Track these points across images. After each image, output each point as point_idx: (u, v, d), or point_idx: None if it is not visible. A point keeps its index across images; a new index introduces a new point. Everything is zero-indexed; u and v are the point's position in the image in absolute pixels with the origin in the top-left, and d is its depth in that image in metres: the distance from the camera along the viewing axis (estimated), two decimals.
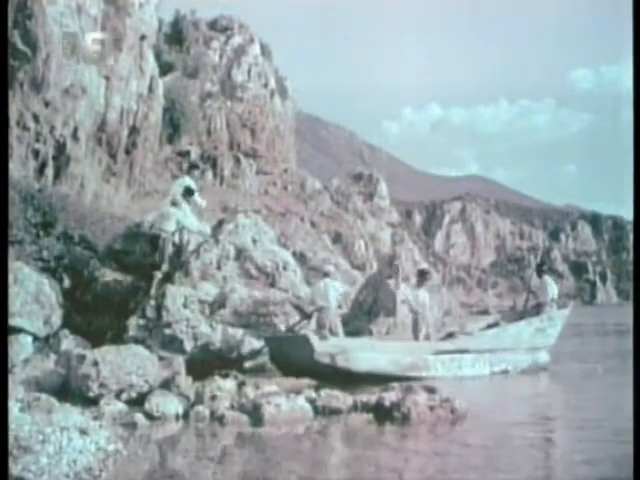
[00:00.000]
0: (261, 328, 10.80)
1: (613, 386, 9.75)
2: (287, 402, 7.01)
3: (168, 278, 10.84)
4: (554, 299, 12.15)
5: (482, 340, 11.30)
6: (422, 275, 12.40)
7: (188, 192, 11.50)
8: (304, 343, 10.07)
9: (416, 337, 11.38)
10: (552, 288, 12.21)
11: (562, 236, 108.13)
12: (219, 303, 10.66)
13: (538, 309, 11.99)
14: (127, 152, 20.18)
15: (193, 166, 13.04)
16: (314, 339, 10.16)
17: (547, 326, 11.75)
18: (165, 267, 10.84)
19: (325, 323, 10.89)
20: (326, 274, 11.65)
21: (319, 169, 65.51)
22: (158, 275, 10.78)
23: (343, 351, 10.17)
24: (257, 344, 10.62)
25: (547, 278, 12.48)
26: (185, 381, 7.55)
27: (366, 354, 10.32)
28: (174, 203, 11.40)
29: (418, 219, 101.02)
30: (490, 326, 12.05)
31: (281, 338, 10.65)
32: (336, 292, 11.35)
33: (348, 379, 9.48)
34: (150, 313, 10.32)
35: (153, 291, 10.65)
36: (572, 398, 9.34)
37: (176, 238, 10.95)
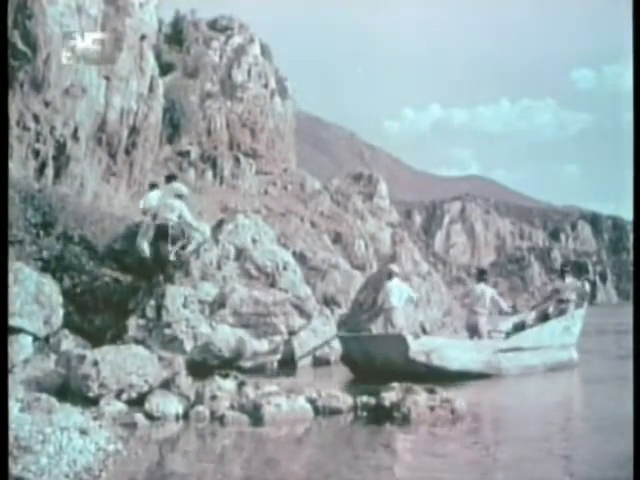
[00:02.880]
0: (261, 328, 10.81)
1: (613, 386, 9.80)
2: (287, 402, 7.01)
3: (170, 273, 10.93)
4: (582, 297, 12.54)
5: (529, 338, 11.37)
6: (481, 274, 12.55)
7: (170, 178, 12.60)
8: (399, 342, 9.98)
9: (479, 335, 11.32)
10: (575, 288, 12.60)
11: (562, 236, 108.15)
12: (219, 303, 10.66)
13: (562, 309, 12.27)
14: (127, 152, 20.20)
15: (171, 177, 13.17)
16: (409, 337, 10.10)
17: (571, 324, 12.04)
18: (172, 257, 11.03)
19: (392, 323, 10.97)
20: (391, 275, 11.69)
21: (319, 169, 65.48)
22: (170, 257, 11.05)
23: (436, 349, 10.11)
24: (257, 344, 10.62)
25: (570, 279, 12.85)
26: (185, 381, 7.54)
27: (454, 352, 10.31)
28: (178, 195, 11.69)
29: (418, 219, 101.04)
30: (516, 325, 12.11)
31: (368, 337, 10.70)
32: (402, 293, 11.42)
33: (440, 377, 9.47)
34: (150, 313, 10.33)
35: (161, 278, 10.88)
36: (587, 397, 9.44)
37: (178, 229, 11.23)
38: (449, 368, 10.01)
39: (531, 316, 12.41)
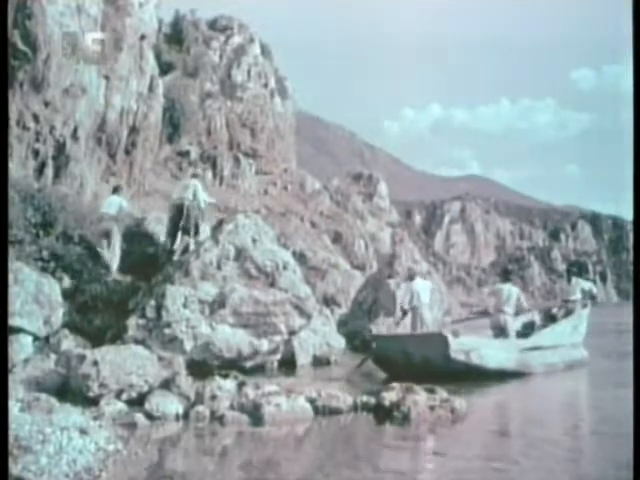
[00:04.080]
0: (261, 328, 10.80)
1: (614, 385, 9.83)
2: (287, 402, 7.01)
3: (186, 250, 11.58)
4: (586, 296, 12.79)
5: (546, 337, 11.53)
6: (506, 273, 12.70)
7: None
8: (439, 341, 10.03)
9: (506, 335, 11.36)
10: (583, 289, 12.88)
11: (562, 236, 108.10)
12: (219, 303, 10.65)
13: (569, 309, 12.48)
14: (127, 152, 20.19)
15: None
16: (450, 336, 10.15)
17: (579, 324, 12.25)
18: (192, 234, 11.80)
19: (422, 320, 11.08)
20: (414, 275, 11.96)
21: (319, 169, 65.45)
22: (186, 240, 11.68)
23: (474, 348, 10.20)
24: (257, 344, 10.61)
25: (575, 279, 13.31)
26: (185, 381, 7.54)
27: (490, 351, 10.43)
28: (194, 175, 12.83)
29: (418, 219, 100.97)
30: (525, 325, 12.20)
31: (407, 336, 10.72)
32: (427, 290, 11.58)
33: (478, 376, 9.67)
34: (150, 313, 10.32)
35: (178, 253, 11.51)
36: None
37: (193, 210, 11.91)
38: (487, 367, 10.17)
39: (538, 316, 12.50)
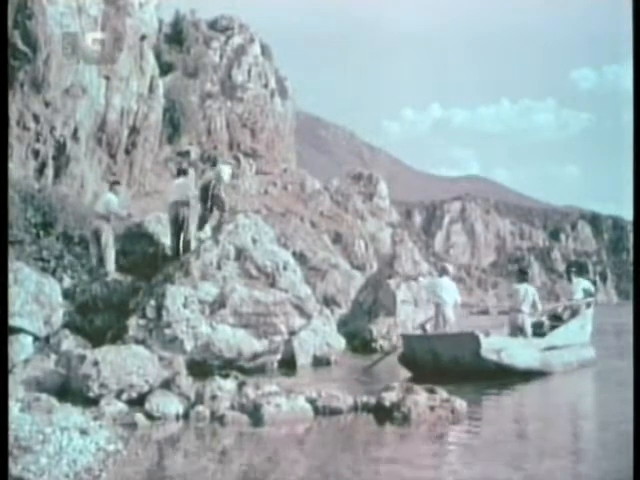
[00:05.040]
0: (261, 328, 10.80)
1: (614, 385, 9.85)
2: (287, 402, 7.01)
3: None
4: (588, 296, 12.83)
5: (559, 337, 11.60)
6: (522, 274, 12.76)
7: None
8: (470, 340, 10.05)
9: (524, 335, 11.39)
10: (583, 288, 12.89)
11: (562, 236, 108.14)
12: (219, 303, 10.66)
13: (575, 309, 12.53)
14: (127, 152, 20.18)
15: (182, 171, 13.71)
16: (482, 336, 10.19)
17: (584, 323, 12.33)
18: (216, 213, 12.47)
19: (445, 318, 11.15)
20: (444, 271, 11.92)
21: (319, 169, 65.46)
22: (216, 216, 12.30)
23: (504, 347, 10.26)
24: (258, 344, 10.62)
25: (576, 279, 13.25)
26: (185, 381, 7.54)
27: (518, 350, 10.50)
28: (226, 162, 14.69)
29: (418, 219, 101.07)
30: (534, 325, 12.20)
31: (436, 335, 10.71)
32: (453, 292, 11.61)
33: (507, 375, 9.76)
34: (150, 313, 10.32)
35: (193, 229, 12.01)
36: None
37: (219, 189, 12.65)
38: (517, 366, 10.23)
39: (544, 316, 12.56)
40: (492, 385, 9.30)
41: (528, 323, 11.45)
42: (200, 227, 12.48)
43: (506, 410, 8.50)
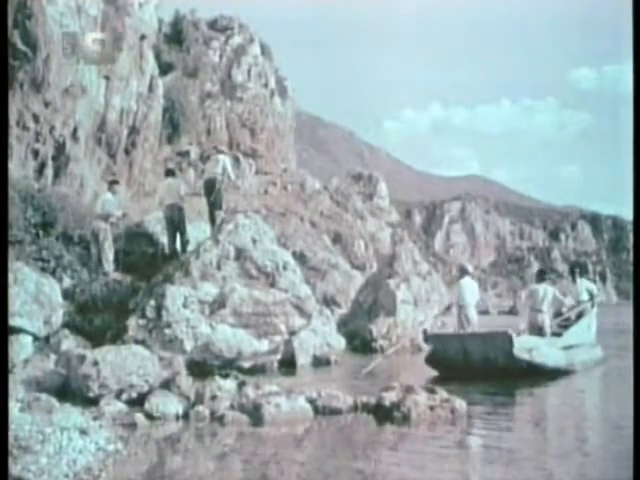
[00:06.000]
0: (261, 328, 10.80)
1: (614, 385, 9.89)
2: (287, 402, 7.01)
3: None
4: (592, 297, 12.91)
5: (573, 336, 11.71)
6: (541, 274, 12.82)
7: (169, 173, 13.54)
8: (503, 339, 10.09)
9: (543, 334, 11.40)
10: (587, 288, 13.02)
11: (562, 236, 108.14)
12: (219, 303, 10.66)
13: (581, 310, 12.57)
14: (127, 152, 20.18)
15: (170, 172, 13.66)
16: (514, 335, 10.24)
17: (590, 323, 12.48)
18: (222, 209, 12.41)
19: (468, 319, 11.18)
20: (464, 272, 11.93)
21: (319, 169, 65.46)
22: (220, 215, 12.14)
23: (535, 347, 10.35)
24: (258, 344, 10.61)
25: (580, 279, 13.29)
26: (185, 381, 7.54)
27: (547, 349, 10.59)
28: (220, 151, 13.51)
29: (418, 219, 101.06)
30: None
31: (468, 335, 10.74)
32: (474, 292, 11.64)
33: (537, 374, 9.85)
34: (150, 313, 10.32)
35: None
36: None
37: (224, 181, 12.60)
38: (547, 365, 10.34)
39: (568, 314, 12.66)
40: (523, 384, 9.44)
41: (547, 323, 11.52)
42: (212, 223, 12.47)
43: (539, 409, 8.62)
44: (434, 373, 10.42)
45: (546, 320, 11.50)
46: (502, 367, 9.73)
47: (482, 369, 9.70)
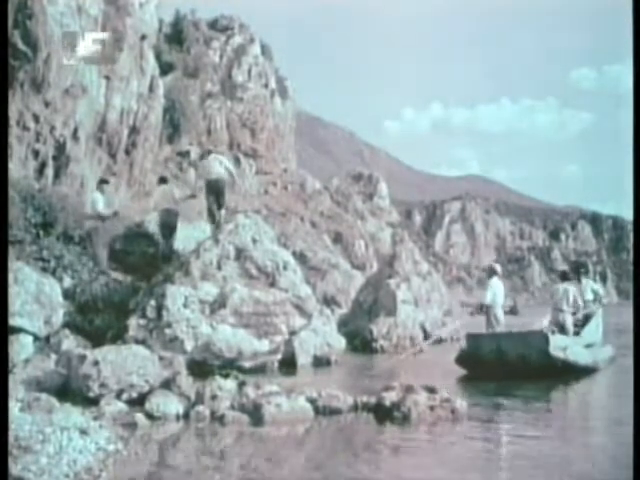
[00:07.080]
0: (261, 328, 10.79)
1: (614, 384, 9.91)
2: (287, 402, 7.01)
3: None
4: (597, 297, 12.96)
5: (589, 335, 11.79)
6: (565, 274, 13.02)
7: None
8: (539, 338, 10.26)
9: (566, 333, 11.46)
10: (592, 288, 13.06)
11: (562, 236, 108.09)
12: (219, 303, 10.65)
13: (591, 309, 12.61)
14: (127, 152, 20.19)
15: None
16: (550, 334, 10.40)
17: (598, 323, 12.50)
18: (223, 211, 12.28)
19: (497, 319, 11.25)
20: (494, 272, 11.94)
21: (319, 169, 65.42)
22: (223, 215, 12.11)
23: (568, 345, 10.50)
24: (258, 344, 10.61)
25: (586, 280, 13.36)
26: (186, 381, 7.54)
27: (578, 348, 10.74)
28: (210, 152, 13.73)
29: (418, 219, 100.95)
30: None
31: (504, 334, 10.82)
32: (501, 291, 11.68)
33: (570, 373, 10.00)
34: (150, 313, 10.31)
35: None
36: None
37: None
38: (580, 363, 10.52)
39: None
40: (557, 382, 9.64)
41: (570, 321, 11.59)
42: (213, 222, 12.39)
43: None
44: (451, 373, 10.46)
45: (568, 319, 11.58)
46: (537, 366, 9.85)
47: (517, 368, 9.79)
